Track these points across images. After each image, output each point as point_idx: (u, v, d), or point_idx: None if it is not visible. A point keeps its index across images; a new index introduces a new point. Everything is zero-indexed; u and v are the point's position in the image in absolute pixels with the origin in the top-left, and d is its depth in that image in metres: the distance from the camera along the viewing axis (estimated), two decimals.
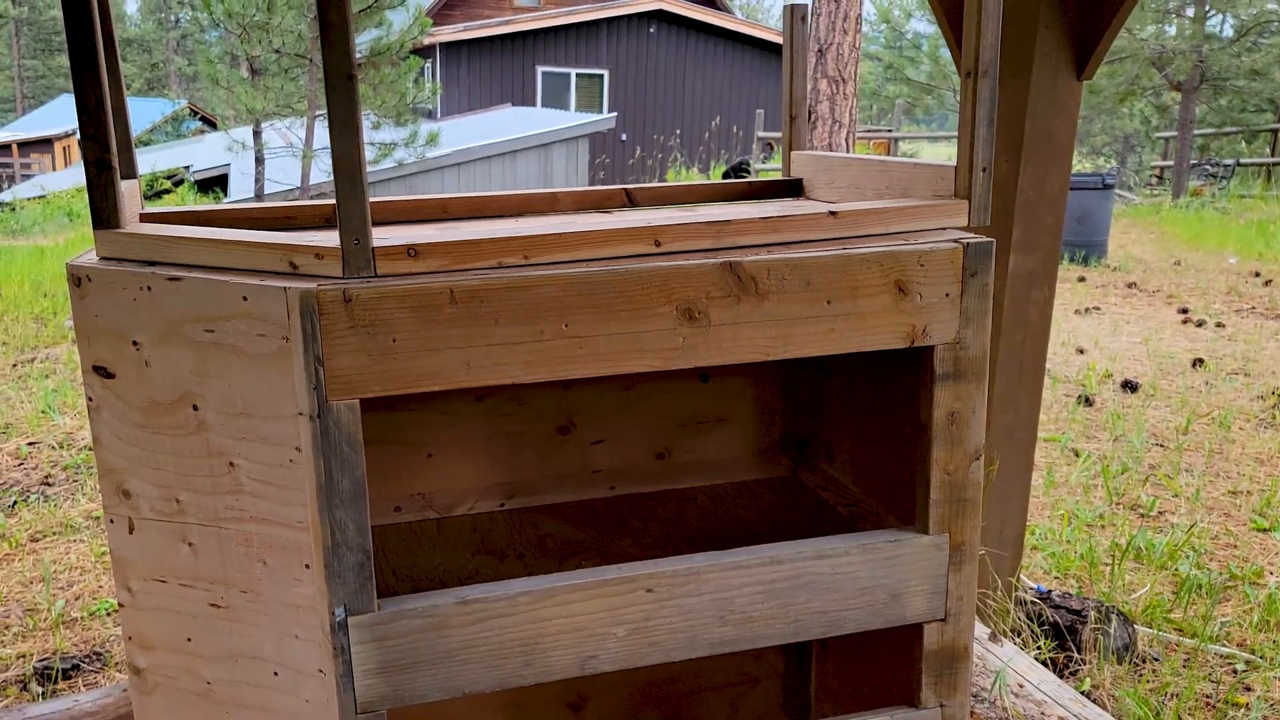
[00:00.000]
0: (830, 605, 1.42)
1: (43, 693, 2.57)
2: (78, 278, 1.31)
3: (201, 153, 18.94)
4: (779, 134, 16.85)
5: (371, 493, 1.78)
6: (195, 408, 1.29)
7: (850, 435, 1.80)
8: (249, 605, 1.33)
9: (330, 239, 1.28)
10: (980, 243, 1.35)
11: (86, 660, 2.73)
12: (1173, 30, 16.01)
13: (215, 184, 16.56)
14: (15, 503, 3.92)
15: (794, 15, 1.85)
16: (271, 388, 1.22)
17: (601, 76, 20.32)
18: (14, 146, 25.07)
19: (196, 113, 31.79)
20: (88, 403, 1.36)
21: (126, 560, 1.41)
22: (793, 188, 1.89)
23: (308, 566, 1.26)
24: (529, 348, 1.26)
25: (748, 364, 1.95)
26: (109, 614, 3.01)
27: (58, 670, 2.65)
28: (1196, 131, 15.66)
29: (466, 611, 1.29)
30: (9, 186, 20.67)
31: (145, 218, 1.57)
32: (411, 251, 1.23)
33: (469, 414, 1.80)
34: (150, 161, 18.13)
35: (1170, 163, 16.06)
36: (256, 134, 11.50)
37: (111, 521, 1.41)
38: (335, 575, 1.24)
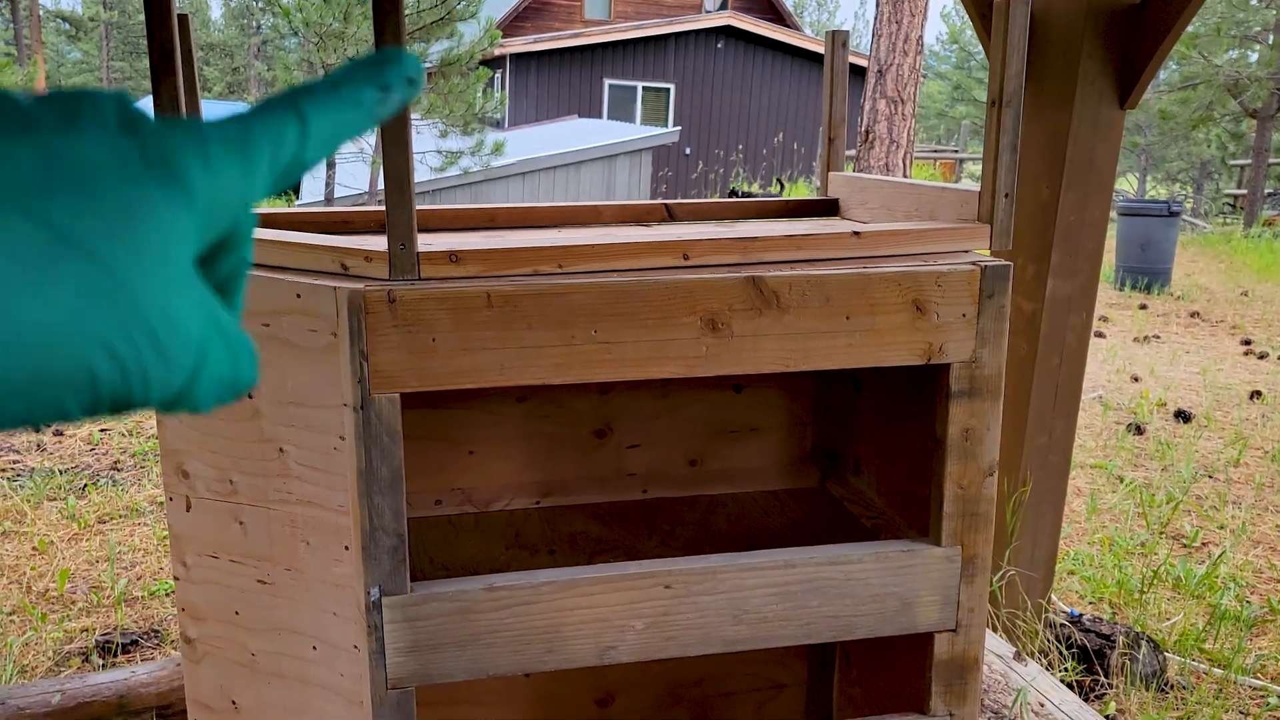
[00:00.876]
0: (842, 610, 1.47)
1: (103, 664, 2.71)
2: None
3: None
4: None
5: (413, 486, 1.87)
6: (250, 395, 1.39)
7: (877, 449, 1.84)
8: (292, 582, 1.42)
9: (379, 243, 1.37)
10: (997, 266, 1.40)
11: (145, 636, 2.87)
12: (1255, 57, 15.65)
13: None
14: (86, 486, 4.11)
15: (835, 40, 1.91)
16: (320, 380, 1.32)
17: (668, 90, 20.47)
18: None
19: None
20: None
21: (183, 536, 1.52)
22: (828, 207, 1.95)
23: (347, 548, 1.35)
24: (560, 351, 1.33)
25: (781, 376, 2.01)
26: (167, 594, 3.16)
27: (118, 644, 2.79)
28: (1272, 160, 15.28)
29: (493, 597, 1.37)
30: None
31: None
32: (453, 257, 1.31)
33: (510, 414, 1.89)
34: None
35: (1245, 191, 15.69)
36: None
37: (171, 499, 1.52)
38: (371, 557, 1.33)
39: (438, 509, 1.89)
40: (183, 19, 1.56)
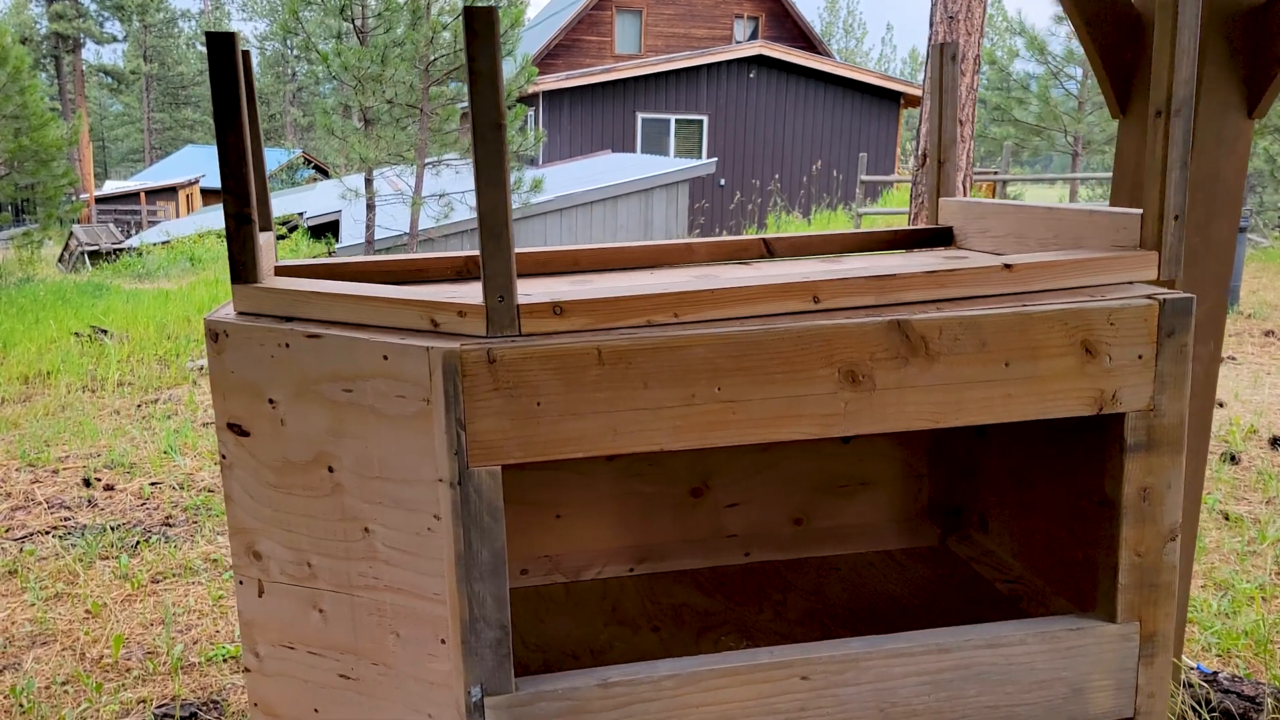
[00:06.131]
0: (1003, 700, 1.28)
1: None
2: (215, 333, 1.27)
3: (314, 200, 19.64)
4: (882, 177, 16.45)
5: None
6: (330, 469, 1.24)
7: (1010, 504, 1.65)
8: (380, 679, 1.26)
9: (468, 294, 1.22)
10: (1179, 299, 1.22)
11: (204, 709, 2.72)
12: None
13: (327, 230, 17.12)
14: (138, 543, 4.00)
15: (943, 54, 1.75)
16: (410, 451, 1.16)
17: (701, 122, 20.42)
18: (142, 195, 26.44)
19: (310, 161, 33.10)
20: (221, 460, 1.33)
21: (255, 623, 1.36)
22: (941, 237, 1.78)
23: (443, 641, 1.19)
24: (678, 412, 1.17)
25: None
26: (225, 660, 3.01)
27: (177, 718, 2.64)
28: None
29: (608, 695, 1.20)
30: (137, 233, 21.77)
31: (280, 270, 1.54)
32: (557, 309, 1.16)
33: (600, 474, 1.73)
34: None
35: None
36: (368, 182, 11.83)
37: (241, 583, 1.37)
38: (472, 651, 1.17)
39: (524, 579, 1.73)
40: (245, 56, 1.43)
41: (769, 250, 1.74)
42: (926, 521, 1.83)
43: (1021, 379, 1.21)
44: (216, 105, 1.26)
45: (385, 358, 1.15)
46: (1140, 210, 1.31)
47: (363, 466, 1.21)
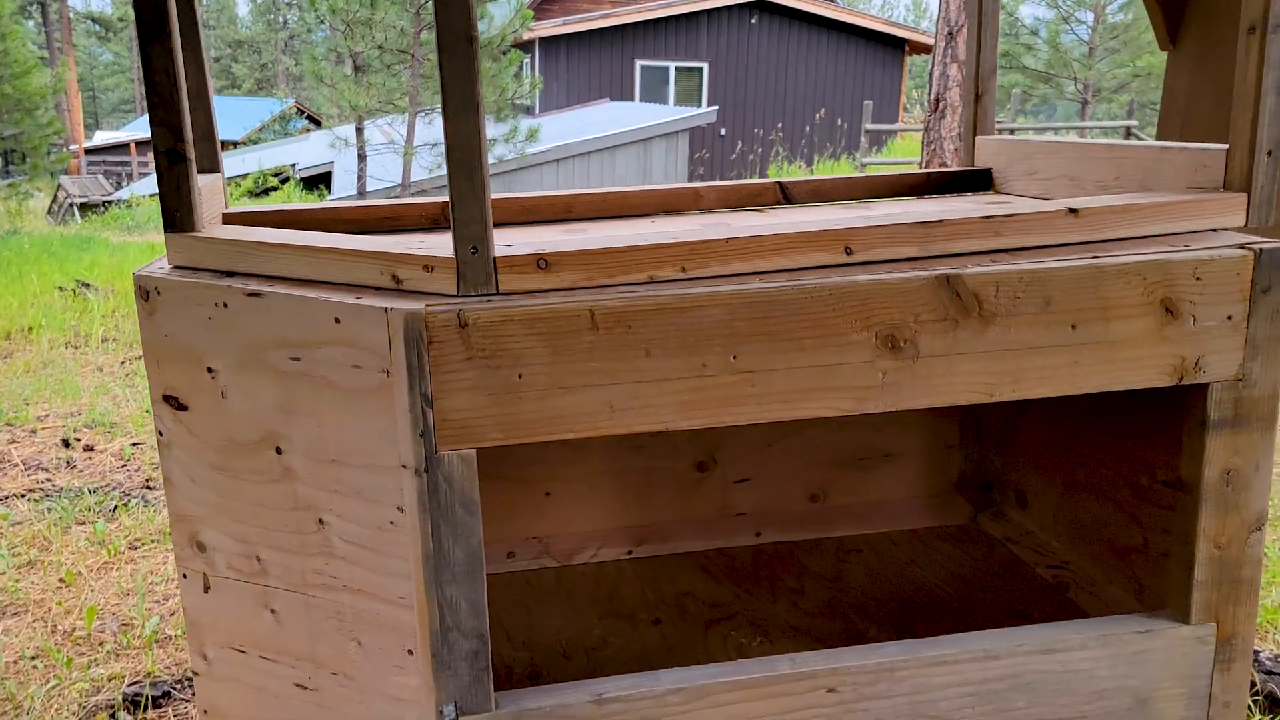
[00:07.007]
0: (1057, 712, 1.12)
1: None
2: (146, 290, 1.09)
3: (306, 151, 19.29)
4: (887, 125, 16.11)
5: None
6: (279, 450, 1.06)
7: (1053, 480, 1.48)
8: (340, 690, 1.10)
9: (437, 245, 1.04)
10: (1277, 249, 1.03)
11: (178, 686, 2.57)
12: None
13: (320, 181, 16.83)
14: (116, 507, 3.84)
15: None
16: (369, 432, 0.98)
17: (701, 69, 20.01)
18: (132, 145, 26.02)
19: (303, 111, 32.56)
20: (158, 438, 1.15)
21: (202, 623, 1.19)
22: (979, 179, 1.59)
23: (411, 652, 1.02)
24: (687, 385, 0.99)
25: None
26: None
27: (148, 698, 2.50)
28: None
29: (604, 713, 1.03)
30: (127, 184, 21.43)
31: (229, 218, 1.35)
32: (542, 262, 0.97)
33: (594, 447, 1.55)
34: (257, 160, 18.53)
35: None
36: (359, 131, 11.53)
37: (185, 576, 1.19)
38: (444, 665, 1.00)
39: (510, 563, 1.56)
40: None
41: (786, 195, 1.54)
42: (957, 497, 1.66)
43: (1090, 344, 1.03)
44: (139, 18, 1.06)
45: (337, 320, 0.97)
46: (1225, 146, 1.12)
47: (316, 449, 1.03)
